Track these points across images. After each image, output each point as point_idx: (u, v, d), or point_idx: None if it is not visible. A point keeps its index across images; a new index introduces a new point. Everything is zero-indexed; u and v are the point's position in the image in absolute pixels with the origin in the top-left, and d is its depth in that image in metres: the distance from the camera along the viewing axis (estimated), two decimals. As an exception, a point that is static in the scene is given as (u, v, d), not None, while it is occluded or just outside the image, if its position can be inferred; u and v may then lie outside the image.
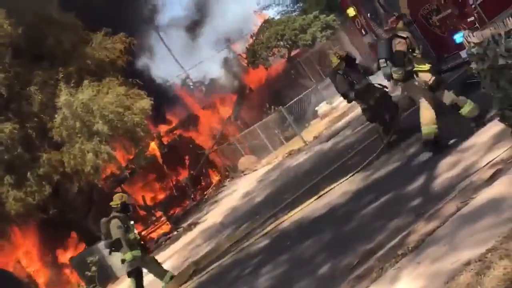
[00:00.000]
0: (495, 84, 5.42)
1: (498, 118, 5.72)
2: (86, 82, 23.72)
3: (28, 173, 22.95)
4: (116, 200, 14.30)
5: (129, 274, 14.39)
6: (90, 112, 23.03)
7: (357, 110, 25.04)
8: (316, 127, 29.26)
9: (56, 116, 23.38)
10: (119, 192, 16.41)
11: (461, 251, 5.92)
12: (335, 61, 13.88)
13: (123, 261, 14.21)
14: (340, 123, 25.35)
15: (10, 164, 22.76)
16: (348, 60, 14.05)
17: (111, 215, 14.09)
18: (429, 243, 6.74)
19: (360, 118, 21.72)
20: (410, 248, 6.92)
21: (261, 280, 10.16)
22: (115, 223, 13.90)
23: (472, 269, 5.35)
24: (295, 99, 30.33)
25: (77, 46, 26.41)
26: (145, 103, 24.42)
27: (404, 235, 7.51)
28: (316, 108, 31.74)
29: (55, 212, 26.05)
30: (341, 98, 29.72)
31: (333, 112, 29.79)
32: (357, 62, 14.68)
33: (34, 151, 23.67)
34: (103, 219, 14.29)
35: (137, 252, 14.06)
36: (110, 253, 14.78)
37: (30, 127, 23.98)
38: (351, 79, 13.69)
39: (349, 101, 15.06)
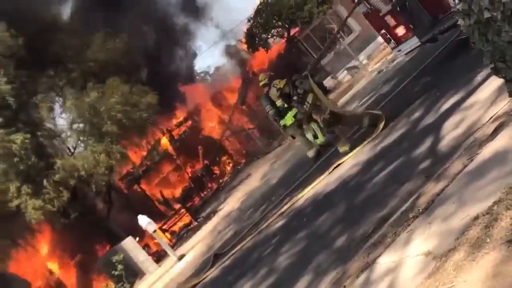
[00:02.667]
0: (484, 38, 5.45)
1: (492, 72, 5.73)
2: (90, 84, 23.89)
3: (45, 181, 23.22)
4: (263, 79, 16.35)
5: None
6: (97, 114, 23.23)
7: (362, 82, 25.16)
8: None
9: (64, 121, 23.64)
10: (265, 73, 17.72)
11: (469, 206, 5.98)
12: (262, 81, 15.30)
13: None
14: (346, 96, 25.39)
15: (26, 174, 23.03)
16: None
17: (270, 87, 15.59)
18: (438, 203, 6.80)
19: (366, 89, 21.82)
20: (420, 210, 6.98)
21: (281, 259, 10.26)
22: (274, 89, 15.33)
23: (480, 223, 5.41)
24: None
25: (79, 50, 26.62)
26: (151, 98, 24.58)
27: (415, 198, 7.56)
28: (321, 84, 31.69)
29: (76, 216, 26.35)
30: (346, 72, 29.96)
31: (339, 87, 29.79)
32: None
33: (47, 158, 23.94)
34: (264, 96, 16.10)
35: None
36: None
37: (41, 135, 24.23)
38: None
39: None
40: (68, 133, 23.74)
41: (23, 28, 23.90)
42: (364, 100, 20.05)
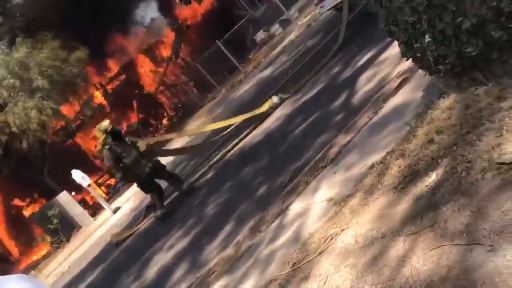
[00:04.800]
0: (379, 3, 5.96)
1: (387, 34, 6.24)
2: (19, 40, 23.58)
3: (-25, 138, 23.06)
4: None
5: None
6: (27, 69, 23.02)
7: (292, 35, 25.60)
8: (255, 57, 29.67)
9: (-6, 77, 23.34)
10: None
11: (368, 157, 6.58)
12: (100, 135, 12.68)
13: None
14: (278, 49, 25.82)
15: (-45, 133, 22.82)
16: (114, 133, 12.78)
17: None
18: (344, 154, 7.40)
19: (295, 43, 22.29)
20: (329, 160, 7.58)
21: (208, 209, 10.81)
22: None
23: (375, 171, 6.00)
24: (231, 31, 30.37)
25: (6, 5, 26.14)
26: (82, 53, 24.44)
27: (326, 149, 8.15)
28: (254, 37, 32.01)
29: (10, 172, 26.25)
30: (278, 25, 30.28)
31: (271, 39, 30.17)
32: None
33: (-23, 115, 23.71)
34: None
35: None
36: None
37: (-29, 92, 23.93)
38: (119, 152, 12.62)
39: (117, 178, 13.87)
40: (-2, 89, 23.44)
41: None
42: (293, 53, 20.53)
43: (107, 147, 12.52)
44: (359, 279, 4.58)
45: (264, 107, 14.13)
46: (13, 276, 3.38)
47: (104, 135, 12.57)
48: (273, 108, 13.95)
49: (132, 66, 38.29)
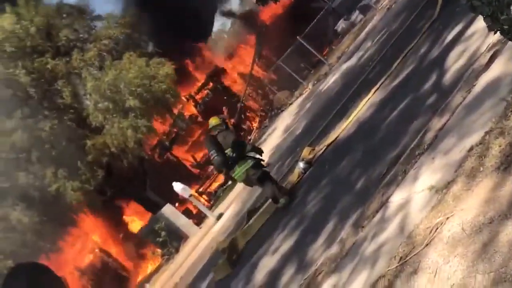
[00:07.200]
0: (459, -20, 5.74)
1: (469, 10, 5.99)
2: (107, 63, 24.32)
3: (78, 162, 23.93)
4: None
5: None
6: (118, 91, 23.70)
7: (374, 21, 25.13)
8: (339, 47, 29.35)
9: (88, 102, 24.17)
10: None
11: (465, 138, 6.32)
12: (216, 121, 12.80)
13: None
14: (361, 35, 25.42)
15: (60, 159, 23.74)
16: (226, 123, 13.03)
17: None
18: (441, 138, 7.14)
19: (377, 27, 21.86)
20: (426, 146, 7.33)
21: (308, 207, 10.73)
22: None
23: (474, 153, 5.75)
24: (311, 25, 30.07)
25: (91, 30, 27.10)
26: (168, 68, 24.90)
27: (422, 134, 7.89)
28: (335, 28, 31.66)
29: (114, 192, 27.13)
30: (358, 12, 29.81)
31: (353, 27, 29.75)
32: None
33: (78, 140, 24.59)
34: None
35: None
36: None
37: (69, 119, 24.84)
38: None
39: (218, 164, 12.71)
40: (93, 114, 24.23)
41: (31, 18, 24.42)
42: (377, 38, 20.14)
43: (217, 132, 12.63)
44: (470, 269, 4.39)
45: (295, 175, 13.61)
46: None
47: (220, 121, 12.83)
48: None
49: (218, 73, 38.71)
